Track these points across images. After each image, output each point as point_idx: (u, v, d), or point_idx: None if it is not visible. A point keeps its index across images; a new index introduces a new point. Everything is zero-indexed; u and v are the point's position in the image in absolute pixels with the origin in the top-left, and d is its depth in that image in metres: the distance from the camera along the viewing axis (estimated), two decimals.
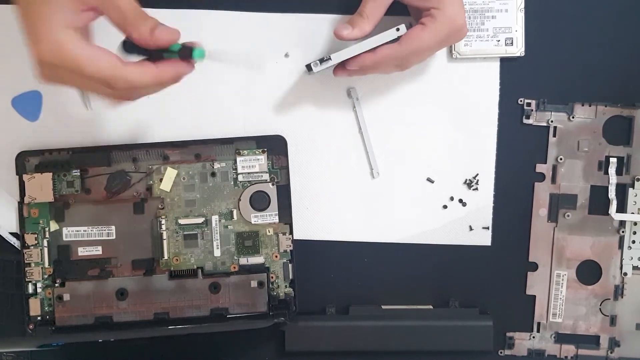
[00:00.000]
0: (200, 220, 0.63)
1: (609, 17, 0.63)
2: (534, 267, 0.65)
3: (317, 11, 0.63)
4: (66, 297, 0.62)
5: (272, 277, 0.64)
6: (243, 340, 0.66)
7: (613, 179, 0.64)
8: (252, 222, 0.63)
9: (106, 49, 0.48)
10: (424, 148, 0.64)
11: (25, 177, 0.63)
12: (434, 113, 0.64)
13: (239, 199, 0.63)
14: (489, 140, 0.64)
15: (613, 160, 0.64)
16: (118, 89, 0.48)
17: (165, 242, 0.63)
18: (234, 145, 0.63)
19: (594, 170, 0.64)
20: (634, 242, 0.64)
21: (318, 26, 0.63)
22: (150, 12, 0.49)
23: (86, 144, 0.63)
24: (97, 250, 0.63)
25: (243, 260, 0.64)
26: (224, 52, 0.62)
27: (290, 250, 0.63)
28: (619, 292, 0.65)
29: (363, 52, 0.56)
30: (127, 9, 0.47)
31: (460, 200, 0.65)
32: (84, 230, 0.63)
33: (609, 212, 0.64)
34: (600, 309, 0.65)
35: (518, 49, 0.63)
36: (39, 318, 0.63)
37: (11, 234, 0.64)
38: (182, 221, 0.63)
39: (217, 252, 0.63)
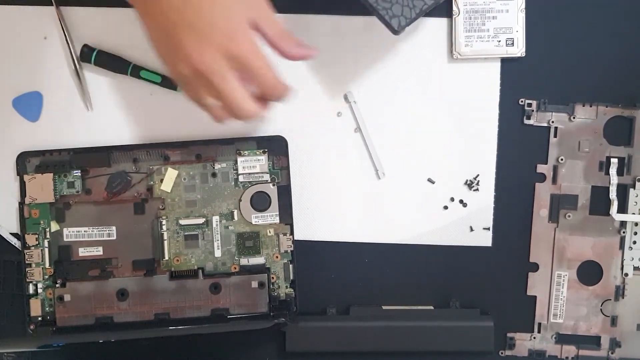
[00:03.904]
0: (201, 220, 0.63)
1: (610, 18, 0.63)
2: (535, 267, 0.65)
3: (316, 12, 0.63)
4: (67, 297, 0.62)
5: (272, 278, 0.64)
6: (244, 341, 0.66)
7: (614, 179, 0.64)
8: (253, 223, 0.63)
9: None
10: (425, 149, 0.64)
11: (26, 177, 0.63)
12: (434, 114, 0.64)
13: (240, 200, 0.63)
14: (489, 141, 0.64)
15: (614, 160, 0.64)
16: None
17: (166, 243, 0.63)
18: (235, 145, 0.63)
19: (594, 171, 0.64)
20: (635, 242, 0.64)
21: (317, 27, 0.63)
22: None
23: (87, 145, 0.63)
24: (98, 251, 0.63)
25: (244, 261, 0.64)
26: None
27: (291, 251, 0.63)
28: (619, 292, 0.65)
29: None
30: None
31: (461, 201, 0.65)
32: (84, 231, 0.63)
33: (610, 213, 0.64)
34: (601, 309, 0.65)
35: (519, 50, 0.63)
36: (39, 318, 0.63)
37: (12, 234, 0.64)
38: (182, 222, 0.63)
39: (217, 253, 0.63)
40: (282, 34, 0.52)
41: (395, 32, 0.56)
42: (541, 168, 0.64)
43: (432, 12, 0.61)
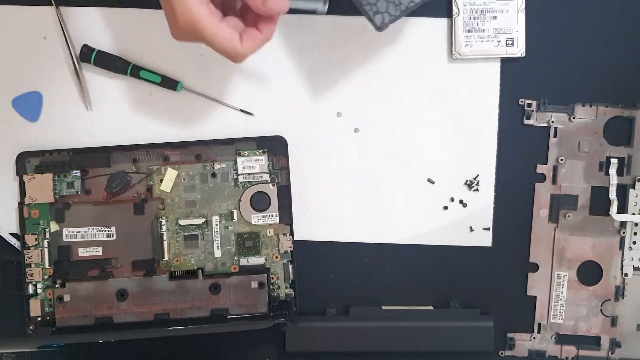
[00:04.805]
0: (201, 221, 0.63)
1: (610, 18, 0.63)
2: (535, 267, 0.65)
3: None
4: (66, 297, 0.62)
5: (272, 278, 0.64)
6: (243, 341, 0.66)
7: (614, 179, 0.64)
8: (253, 223, 0.63)
9: (228, 26, 0.51)
10: (425, 149, 0.64)
11: (25, 177, 0.63)
12: (434, 114, 0.64)
13: (240, 200, 0.63)
14: (489, 141, 0.64)
15: (614, 160, 0.64)
16: (236, 61, 0.53)
17: (165, 243, 0.63)
18: (235, 145, 0.63)
19: (594, 171, 0.64)
20: (634, 242, 0.64)
21: (317, 27, 0.63)
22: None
23: (86, 145, 0.63)
24: (98, 251, 0.63)
25: (243, 261, 0.64)
26: None
27: (291, 251, 0.63)
28: (619, 292, 0.65)
29: None
30: None
31: (461, 201, 0.65)
32: (84, 231, 0.63)
33: (610, 213, 0.64)
34: (601, 309, 0.65)
35: (519, 50, 0.63)
36: (39, 319, 0.63)
37: (11, 234, 0.64)
38: (182, 222, 0.63)
39: (217, 253, 0.63)
40: None
41: (378, 28, 0.56)
42: (541, 168, 0.64)
43: (432, 12, 0.61)
